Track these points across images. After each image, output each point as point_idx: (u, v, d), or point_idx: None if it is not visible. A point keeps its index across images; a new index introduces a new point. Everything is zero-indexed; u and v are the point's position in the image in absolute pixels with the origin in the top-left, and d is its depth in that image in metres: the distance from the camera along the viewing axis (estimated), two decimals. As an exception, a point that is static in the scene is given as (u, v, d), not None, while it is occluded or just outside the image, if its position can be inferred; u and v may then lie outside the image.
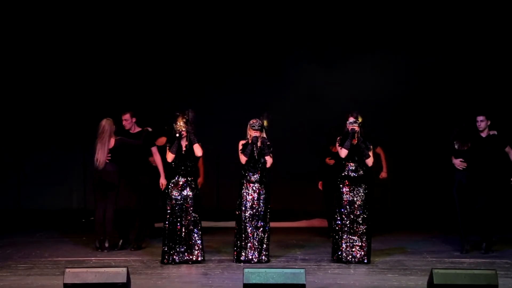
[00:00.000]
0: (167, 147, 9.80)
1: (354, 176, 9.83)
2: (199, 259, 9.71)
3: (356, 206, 9.76)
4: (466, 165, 10.33)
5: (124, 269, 7.59)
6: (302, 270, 7.60)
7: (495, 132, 10.45)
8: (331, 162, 11.38)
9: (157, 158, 10.66)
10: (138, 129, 10.85)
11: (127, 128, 10.82)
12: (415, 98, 13.71)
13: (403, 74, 13.60)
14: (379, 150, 11.56)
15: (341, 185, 9.84)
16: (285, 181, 13.39)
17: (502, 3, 13.30)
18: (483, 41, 13.53)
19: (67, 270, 7.57)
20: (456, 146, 10.39)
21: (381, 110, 13.47)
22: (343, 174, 9.87)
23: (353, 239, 9.71)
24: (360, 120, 9.80)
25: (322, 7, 13.65)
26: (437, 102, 13.66)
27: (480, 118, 10.40)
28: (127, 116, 10.78)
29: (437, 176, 13.11)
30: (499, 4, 13.32)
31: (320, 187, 11.82)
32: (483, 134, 10.41)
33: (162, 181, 10.42)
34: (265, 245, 9.79)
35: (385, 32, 13.63)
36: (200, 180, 11.44)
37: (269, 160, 9.85)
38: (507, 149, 10.41)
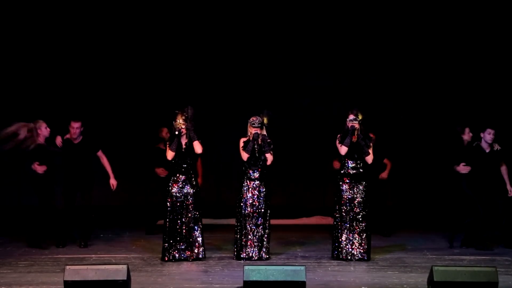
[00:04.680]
0: (167, 145, 9.81)
1: (354, 173, 9.84)
2: (200, 256, 9.72)
3: (356, 203, 9.77)
4: (469, 168, 10.42)
5: (125, 266, 7.59)
6: (302, 267, 7.60)
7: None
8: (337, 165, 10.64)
9: (104, 160, 10.71)
10: (80, 138, 10.67)
11: (74, 137, 10.60)
12: (417, 97, 13.70)
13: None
14: (386, 161, 11.58)
15: (340, 182, 9.85)
16: (285, 178, 13.38)
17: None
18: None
19: (68, 267, 7.57)
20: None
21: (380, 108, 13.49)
22: (342, 171, 9.88)
23: (353, 236, 9.72)
24: (360, 117, 9.81)
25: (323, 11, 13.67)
26: (440, 102, 13.64)
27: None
28: (78, 125, 10.56)
29: (438, 175, 13.12)
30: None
31: (335, 166, 10.95)
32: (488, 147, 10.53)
33: (112, 181, 10.66)
34: (265, 242, 9.80)
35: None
36: (198, 180, 11.42)
37: (269, 157, 9.85)
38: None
